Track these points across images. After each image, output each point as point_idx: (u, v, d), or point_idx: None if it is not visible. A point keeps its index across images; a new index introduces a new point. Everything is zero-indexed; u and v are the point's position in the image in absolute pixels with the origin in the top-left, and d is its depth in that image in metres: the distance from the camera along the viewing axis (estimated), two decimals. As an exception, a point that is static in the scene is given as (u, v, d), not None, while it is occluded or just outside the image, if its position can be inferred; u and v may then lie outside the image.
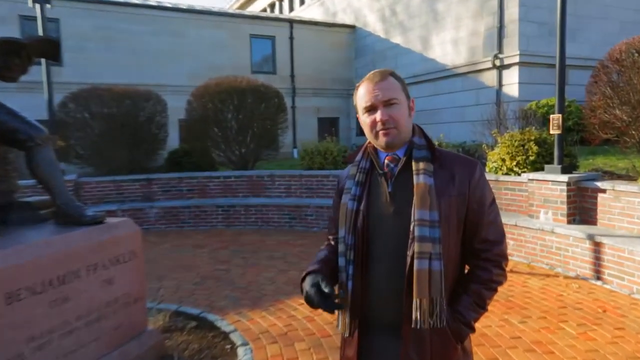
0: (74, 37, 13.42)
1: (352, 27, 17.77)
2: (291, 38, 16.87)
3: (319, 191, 8.22)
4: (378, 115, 1.41)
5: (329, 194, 8.09)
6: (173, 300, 4.49)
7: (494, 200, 1.49)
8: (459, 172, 1.43)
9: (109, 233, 2.88)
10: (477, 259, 1.47)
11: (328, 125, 16.90)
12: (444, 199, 1.39)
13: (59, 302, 2.50)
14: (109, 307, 2.84)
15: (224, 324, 3.88)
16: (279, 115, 9.77)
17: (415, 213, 1.36)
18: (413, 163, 1.42)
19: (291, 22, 17.02)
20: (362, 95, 1.45)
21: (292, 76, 16.85)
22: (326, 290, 1.38)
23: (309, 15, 19.94)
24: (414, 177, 1.40)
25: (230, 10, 16.88)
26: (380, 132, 1.42)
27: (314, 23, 17.66)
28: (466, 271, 1.53)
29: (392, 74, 1.44)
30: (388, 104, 1.41)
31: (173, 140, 12.02)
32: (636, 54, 5.34)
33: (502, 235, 1.49)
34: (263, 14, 19.53)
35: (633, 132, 5.54)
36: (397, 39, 15.47)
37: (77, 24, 13.74)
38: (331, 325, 3.80)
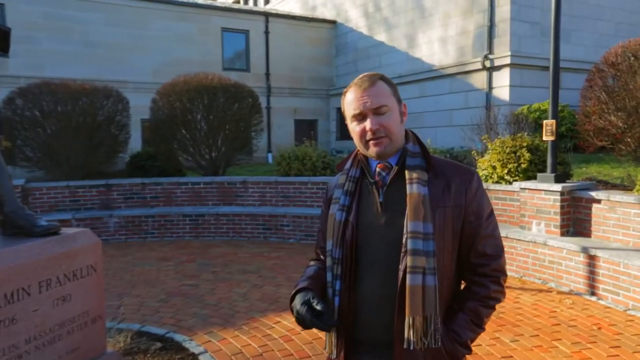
0: (21, 25, 13.06)
1: (333, 22, 17.92)
2: (266, 33, 16.89)
3: (296, 199, 8.22)
4: (368, 124, 1.43)
5: (307, 203, 8.11)
6: (135, 320, 4.42)
7: (492, 212, 1.51)
8: (455, 182, 1.45)
9: (64, 245, 2.82)
10: (474, 274, 1.48)
11: (306, 128, 16.95)
12: (439, 210, 1.41)
13: (6, 323, 2.43)
14: (63, 327, 2.77)
15: (193, 345, 3.84)
16: (253, 117, 9.77)
17: (408, 225, 1.38)
18: (406, 171, 1.44)
19: (267, 15, 17.04)
20: (350, 102, 1.46)
21: (268, 74, 16.86)
22: (318, 307, 1.39)
23: (286, 9, 20.03)
24: (407, 186, 1.42)
25: (200, 1, 16.78)
26: (371, 142, 1.44)
27: (291, 17, 17.73)
28: (462, 287, 1.54)
29: (382, 78, 1.46)
30: (378, 112, 1.42)
31: (135, 142, 11.85)
32: (632, 58, 5.57)
33: (501, 249, 1.50)
34: (236, 6, 19.50)
35: (628, 139, 5.76)
36: (381, 36, 15.67)
37: (26, 11, 13.42)
38: (310, 345, 3.80)
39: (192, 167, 9.62)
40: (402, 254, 1.38)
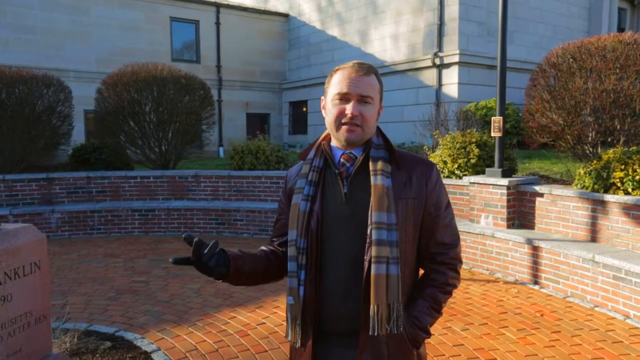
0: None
1: (286, 15, 17.81)
2: (217, 24, 16.54)
3: (250, 194, 8.14)
4: (349, 108, 1.44)
5: (261, 197, 8.05)
6: (82, 319, 4.25)
7: (449, 203, 1.58)
8: (416, 174, 1.49)
9: (4, 242, 2.66)
10: (433, 262, 1.53)
11: (258, 122, 16.79)
12: (401, 202, 1.45)
13: (-59, 325, 2.27)
14: (4, 329, 2.62)
15: (145, 343, 3.73)
16: (204, 110, 9.56)
17: (372, 215, 1.40)
18: (370, 163, 1.46)
19: (218, 5, 16.69)
20: (339, 81, 1.46)
21: (219, 66, 16.54)
22: (212, 261, 1.42)
23: (238, 0, 19.71)
24: (372, 177, 1.44)
25: (147, -12, 16.15)
26: (345, 127, 1.45)
27: (243, 8, 17.46)
28: (421, 275, 1.60)
29: (376, 73, 1.49)
30: (363, 100, 1.44)
31: (78, 135, 11.34)
32: (571, 59, 5.88)
33: (458, 238, 1.57)
34: (186, -5, 18.93)
35: (568, 136, 6.09)
36: (334, 31, 15.74)
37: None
38: (267, 339, 3.79)
39: (141, 161, 9.32)
40: (367, 245, 1.41)
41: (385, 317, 1.39)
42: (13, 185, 7.86)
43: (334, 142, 1.54)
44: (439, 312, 1.54)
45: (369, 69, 1.47)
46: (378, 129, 1.56)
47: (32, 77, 8.47)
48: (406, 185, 1.47)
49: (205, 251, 1.42)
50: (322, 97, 1.55)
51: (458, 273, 1.56)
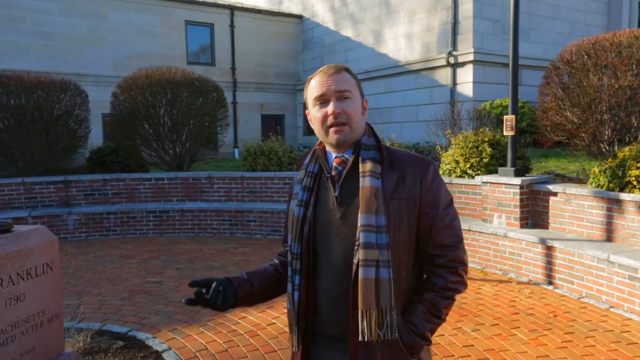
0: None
1: (300, 17, 17.87)
2: (232, 26, 16.68)
3: (263, 195, 8.20)
4: (330, 108, 1.43)
5: (273, 198, 8.09)
6: (96, 319, 4.33)
7: (451, 202, 1.50)
8: (410, 173, 1.45)
9: (17, 243, 2.73)
10: (432, 265, 1.47)
11: (273, 123, 16.86)
12: (393, 203, 1.41)
13: (-44, 324, 2.34)
14: (17, 328, 2.69)
15: (156, 343, 3.79)
16: (218, 111, 9.65)
17: (360, 218, 1.38)
18: (360, 164, 1.44)
19: (232, 8, 16.83)
20: (314, 87, 1.46)
21: (233, 69, 16.67)
22: (218, 301, 1.49)
23: (252, 2, 19.83)
24: (360, 179, 1.42)
25: (161, -7, 16.37)
26: (332, 129, 1.44)
27: (257, 11, 17.57)
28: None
29: (347, 70, 1.47)
30: (341, 96, 1.43)
31: (96, 138, 11.54)
32: (586, 56, 5.78)
33: (459, 240, 1.49)
34: (200, -1, 19.14)
35: (583, 134, 5.98)
36: (347, 31, 15.74)
37: (-33, -3, 12.78)
38: (276, 339, 3.82)
39: (155, 163, 9.44)
40: (355, 248, 1.39)
41: (376, 322, 1.35)
42: (32, 187, 8.04)
43: (328, 147, 1.54)
44: (439, 318, 1.46)
45: (337, 67, 1.46)
46: (370, 128, 1.54)
47: (50, 82, 8.68)
48: (398, 185, 1.43)
49: (208, 296, 1.49)
50: (307, 111, 1.55)
51: (461, 276, 1.47)
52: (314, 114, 1.48)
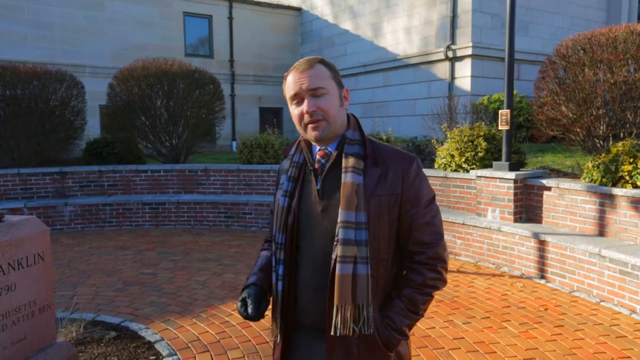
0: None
1: (298, 9, 17.80)
2: (230, 18, 16.62)
3: (259, 187, 8.21)
4: (305, 106, 1.42)
5: (270, 191, 8.11)
6: (90, 309, 4.36)
7: (433, 199, 1.50)
8: (392, 169, 1.45)
9: (7, 233, 2.75)
10: (411, 261, 1.48)
11: (271, 116, 16.84)
12: (374, 199, 1.41)
13: (-55, 313, 2.36)
14: (8, 317, 2.71)
15: (149, 333, 3.82)
16: (215, 104, 9.64)
17: (340, 214, 1.39)
18: (342, 159, 1.44)
19: (230, 0, 16.77)
20: (289, 85, 1.46)
21: (231, 61, 16.62)
22: (249, 310, 1.49)
23: (251, -6, 19.72)
24: (342, 175, 1.42)
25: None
26: (309, 126, 1.44)
27: (255, 3, 17.49)
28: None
29: (322, 61, 1.45)
30: (315, 93, 1.42)
31: (93, 129, 11.53)
32: (581, 51, 5.78)
33: (440, 237, 1.49)
34: (199, -10, 19.02)
35: (578, 129, 6.00)
36: (346, 24, 15.68)
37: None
38: (268, 331, 3.84)
39: (152, 155, 9.45)
40: (334, 243, 1.40)
41: (352, 317, 1.36)
42: (28, 179, 8.05)
43: None
44: (416, 314, 1.47)
45: (310, 61, 1.44)
46: (355, 121, 1.53)
47: (46, 73, 8.65)
48: (380, 181, 1.43)
49: (255, 314, 1.52)
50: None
51: (439, 274, 1.47)
52: (292, 111, 1.48)
